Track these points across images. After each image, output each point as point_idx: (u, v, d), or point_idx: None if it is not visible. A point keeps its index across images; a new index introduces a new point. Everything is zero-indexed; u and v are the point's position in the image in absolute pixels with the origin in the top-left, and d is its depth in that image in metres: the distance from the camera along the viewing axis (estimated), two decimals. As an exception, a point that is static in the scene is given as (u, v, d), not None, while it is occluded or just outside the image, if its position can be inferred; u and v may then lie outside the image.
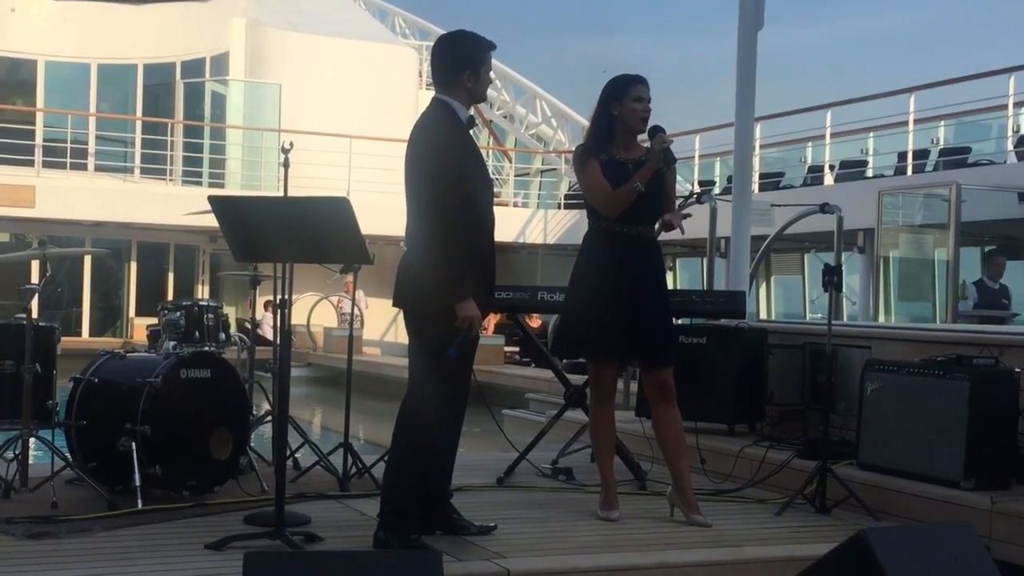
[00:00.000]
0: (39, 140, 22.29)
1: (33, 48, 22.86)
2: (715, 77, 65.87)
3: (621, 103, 5.64)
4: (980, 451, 5.73)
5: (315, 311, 21.15)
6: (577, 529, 5.54)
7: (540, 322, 17.35)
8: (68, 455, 5.88)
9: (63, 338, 6.39)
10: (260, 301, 14.34)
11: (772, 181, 19.64)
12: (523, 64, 42.32)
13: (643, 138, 5.75)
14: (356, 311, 21.80)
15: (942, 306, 14.22)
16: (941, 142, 17.46)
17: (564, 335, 5.94)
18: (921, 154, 17.21)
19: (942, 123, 17.69)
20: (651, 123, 5.67)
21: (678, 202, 5.98)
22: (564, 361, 7.84)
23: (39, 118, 22.98)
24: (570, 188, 24.79)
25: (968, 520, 4.73)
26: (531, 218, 24.65)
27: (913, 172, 16.85)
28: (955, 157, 16.56)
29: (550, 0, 71.02)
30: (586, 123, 6.12)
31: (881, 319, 15.34)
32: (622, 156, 5.67)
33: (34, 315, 5.82)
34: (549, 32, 72.94)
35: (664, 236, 5.79)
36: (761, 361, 7.38)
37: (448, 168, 4.93)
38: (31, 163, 21.74)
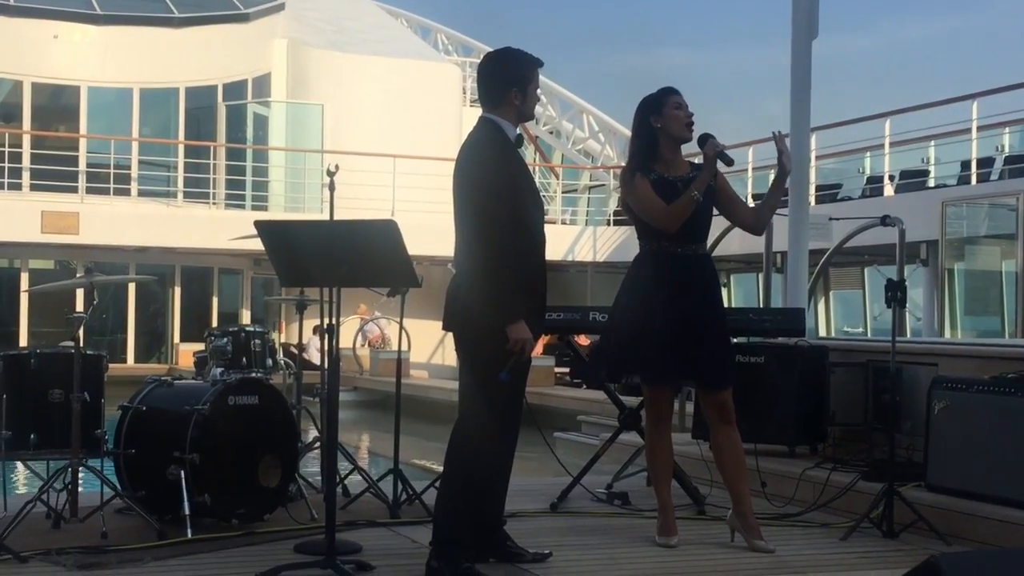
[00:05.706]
0: (82, 166, 22.36)
1: (76, 74, 22.92)
2: (768, 87, 65.40)
3: (661, 114, 5.51)
4: (1057, 471, 5.53)
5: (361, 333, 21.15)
6: (634, 556, 5.39)
7: (589, 341, 17.16)
8: (117, 484, 5.81)
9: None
10: (308, 324, 14.28)
11: (830, 193, 19.23)
12: (568, 78, 41.99)
13: (688, 151, 5.60)
14: (382, 340, 21.90)
15: (1011, 320, 13.85)
16: (1006, 149, 17.00)
17: (610, 356, 5.76)
18: (986, 162, 16.77)
19: (1007, 130, 17.18)
20: (696, 133, 5.53)
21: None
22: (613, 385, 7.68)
23: (82, 144, 23.05)
24: (619, 204, 24.59)
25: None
26: (580, 235, 24.43)
27: (978, 181, 16.42)
28: (1022, 165, 16.17)
29: (595, 14, 71.01)
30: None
31: (947, 335, 14.98)
32: (670, 174, 5.53)
33: (81, 343, 5.74)
34: (594, 46, 72.88)
35: (717, 252, 5.62)
36: (822, 380, 7.19)
37: (498, 188, 4.84)
38: (75, 189, 21.81)
